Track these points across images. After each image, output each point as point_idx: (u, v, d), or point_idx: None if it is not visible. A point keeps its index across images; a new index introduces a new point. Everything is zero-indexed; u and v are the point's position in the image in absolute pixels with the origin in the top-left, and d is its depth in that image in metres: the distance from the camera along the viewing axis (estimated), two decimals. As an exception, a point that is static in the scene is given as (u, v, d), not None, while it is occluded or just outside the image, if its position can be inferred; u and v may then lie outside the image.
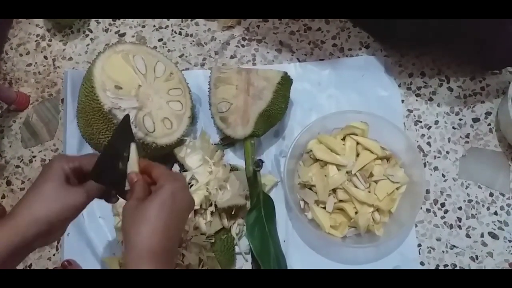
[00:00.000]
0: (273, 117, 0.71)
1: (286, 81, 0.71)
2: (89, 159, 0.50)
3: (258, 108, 0.69)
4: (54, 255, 0.72)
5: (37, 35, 0.85)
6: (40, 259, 0.72)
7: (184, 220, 0.50)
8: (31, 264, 0.72)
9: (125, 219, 0.46)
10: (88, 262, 0.70)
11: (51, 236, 0.48)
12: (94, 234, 0.72)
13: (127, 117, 0.51)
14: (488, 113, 0.75)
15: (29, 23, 0.86)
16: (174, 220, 0.46)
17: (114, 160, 0.49)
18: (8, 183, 0.77)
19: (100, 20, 0.85)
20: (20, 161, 0.78)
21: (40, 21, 0.86)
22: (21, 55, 0.84)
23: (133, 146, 0.50)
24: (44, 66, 0.83)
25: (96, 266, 0.70)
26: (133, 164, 0.50)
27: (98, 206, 0.72)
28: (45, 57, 0.84)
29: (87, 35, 0.84)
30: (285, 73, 0.71)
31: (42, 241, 0.47)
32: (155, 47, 0.82)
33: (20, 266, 0.70)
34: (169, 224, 0.45)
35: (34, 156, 0.78)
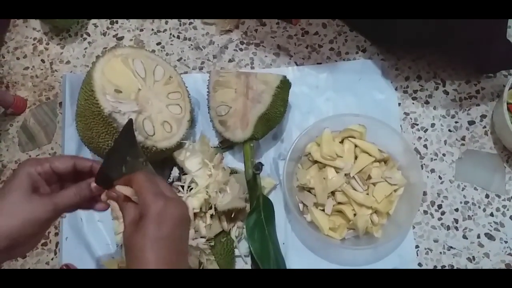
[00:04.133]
0: (272, 120, 0.71)
1: (285, 85, 0.72)
2: (62, 160, 0.46)
3: (257, 111, 0.69)
4: (52, 259, 0.72)
5: (34, 39, 0.85)
6: (38, 264, 0.72)
7: (185, 228, 0.46)
8: (29, 269, 0.72)
9: (128, 249, 0.43)
10: (86, 266, 0.70)
11: (16, 251, 0.45)
12: (93, 238, 0.71)
13: (130, 121, 0.51)
14: (483, 116, 0.77)
15: (26, 27, 0.86)
16: (175, 234, 0.43)
17: (117, 165, 0.49)
18: (6, 187, 0.77)
19: (98, 24, 0.85)
20: (18, 165, 0.78)
21: (37, 25, 0.86)
22: (18, 58, 0.84)
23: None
24: (42, 69, 0.83)
25: (95, 270, 0.70)
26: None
27: (97, 210, 0.72)
28: (43, 61, 0.83)
29: (84, 39, 0.84)
30: (284, 77, 0.72)
31: (6, 256, 0.44)
32: (154, 51, 0.82)
33: (19, 271, 0.70)
34: (173, 239, 0.43)
35: (31, 160, 0.78)
